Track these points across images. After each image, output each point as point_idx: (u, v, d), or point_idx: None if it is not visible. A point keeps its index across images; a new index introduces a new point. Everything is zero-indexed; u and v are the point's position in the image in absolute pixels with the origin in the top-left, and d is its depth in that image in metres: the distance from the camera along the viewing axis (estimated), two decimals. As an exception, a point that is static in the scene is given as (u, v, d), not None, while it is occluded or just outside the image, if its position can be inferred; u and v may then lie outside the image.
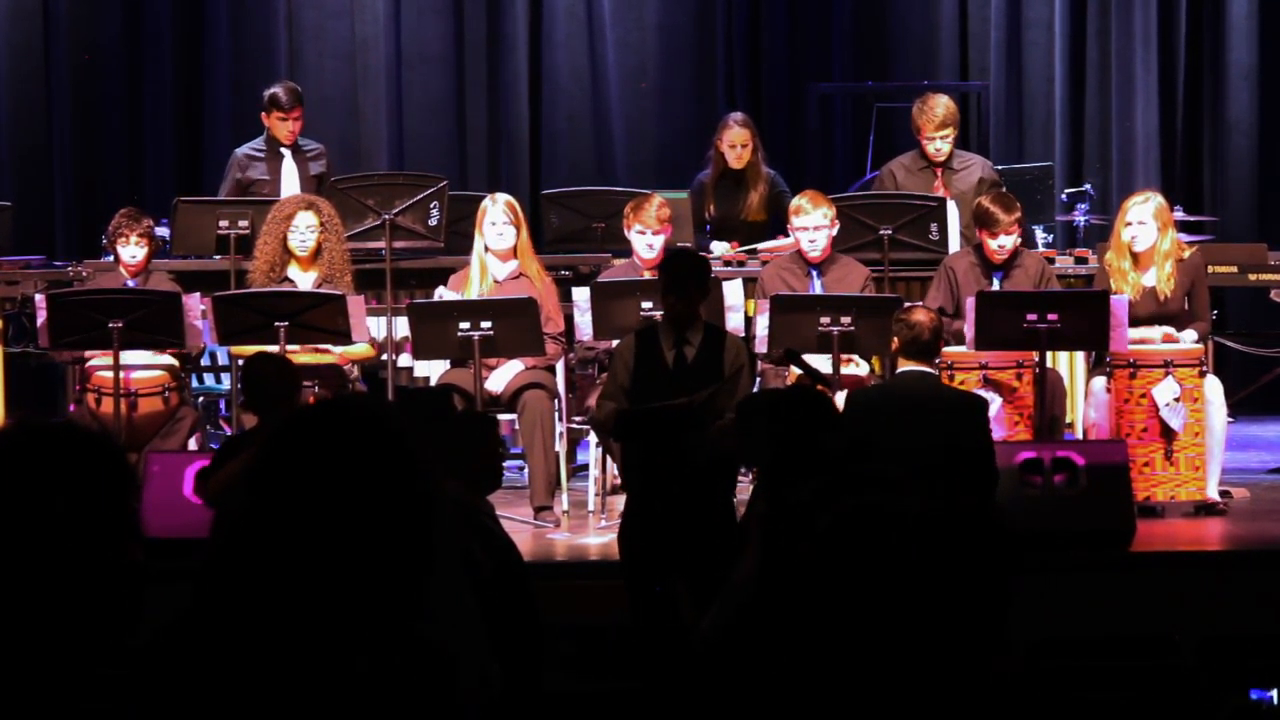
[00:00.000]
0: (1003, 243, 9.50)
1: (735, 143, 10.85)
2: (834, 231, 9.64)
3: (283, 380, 7.23)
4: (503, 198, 9.75)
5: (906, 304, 9.18)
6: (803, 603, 3.43)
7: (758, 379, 9.56)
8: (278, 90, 11.07)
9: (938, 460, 7.02)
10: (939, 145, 10.53)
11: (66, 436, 2.35)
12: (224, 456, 7.20)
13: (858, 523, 3.51)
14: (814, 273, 9.67)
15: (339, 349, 9.55)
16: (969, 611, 3.48)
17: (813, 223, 9.59)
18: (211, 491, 7.11)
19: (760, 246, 10.56)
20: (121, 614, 2.31)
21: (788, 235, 10.39)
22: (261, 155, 11.06)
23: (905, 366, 7.75)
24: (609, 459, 9.49)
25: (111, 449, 2.37)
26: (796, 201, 9.73)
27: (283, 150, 11.04)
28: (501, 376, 9.55)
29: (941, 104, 10.57)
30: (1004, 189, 10.29)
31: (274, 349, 9.23)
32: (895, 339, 7.81)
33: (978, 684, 3.45)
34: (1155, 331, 9.45)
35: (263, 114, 11.07)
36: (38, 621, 2.28)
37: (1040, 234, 11.20)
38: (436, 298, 9.68)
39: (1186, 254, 9.65)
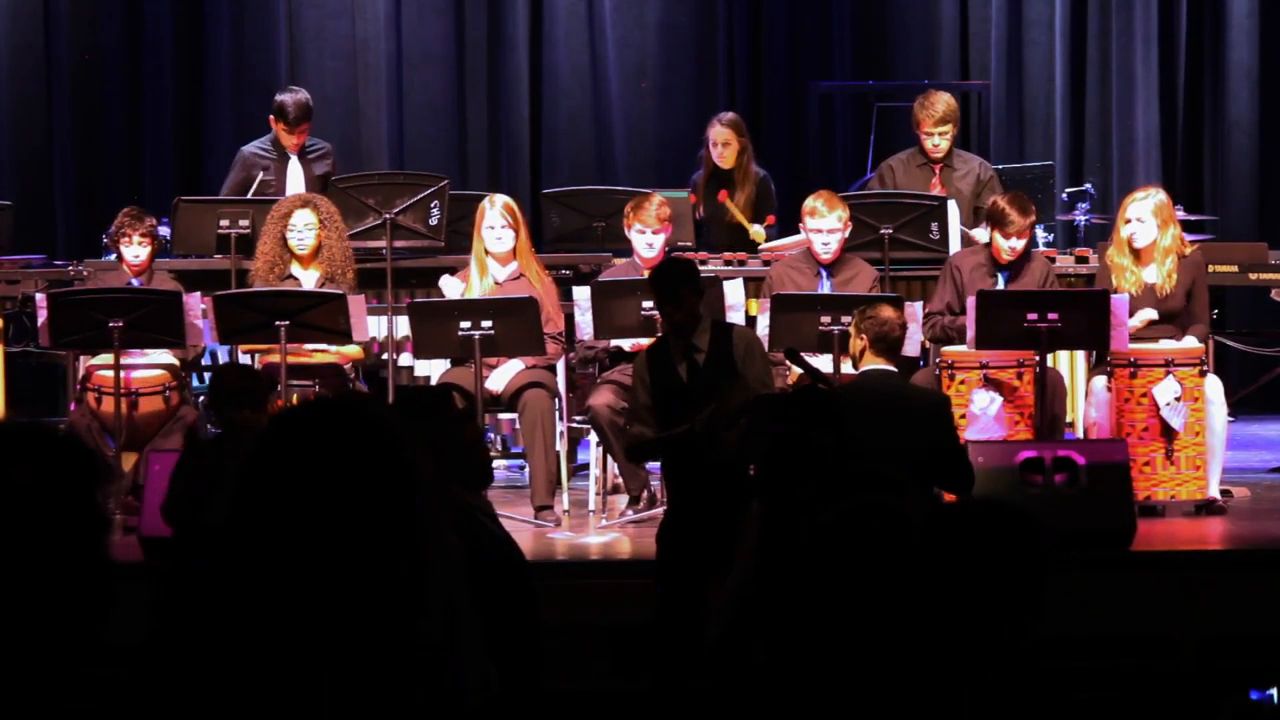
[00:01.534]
0: (1014, 245, 9.48)
1: (717, 141, 10.83)
2: (846, 234, 9.62)
3: (251, 390, 7.28)
4: (500, 200, 9.73)
5: (907, 300, 9.19)
6: (801, 598, 3.43)
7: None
8: (286, 101, 10.98)
9: (910, 459, 6.95)
10: (937, 141, 10.55)
11: (33, 435, 2.35)
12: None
13: (858, 520, 3.51)
14: (824, 273, 9.65)
15: (334, 348, 9.57)
16: (996, 609, 3.48)
17: (827, 225, 9.55)
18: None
19: (765, 245, 10.54)
20: (92, 612, 2.30)
21: (787, 235, 10.45)
22: (268, 156, 11.04)
23: (870, 364, 7.62)
24: (609, 458, 9.49)
25: (80, 446, 2.37)
26: (811, 203, 9.67)
27: (288, 153, 11.04)
28: (502, 376, 9.55)
29: (942, 100, 10.59)
30: (1002, 190, 10.29)
31: (274, 348, 9.27)
32: (862, 336, 7.67)
33: (984, 682, 3.44)
34: (1150, 313, 9.44)
35: (271, 117, 11.06)
36: (9, 620, 2.27)
37: (1041, 233, 11.19)
38: (441, 284, 9.73)
39: (1189, 251, 9.65)
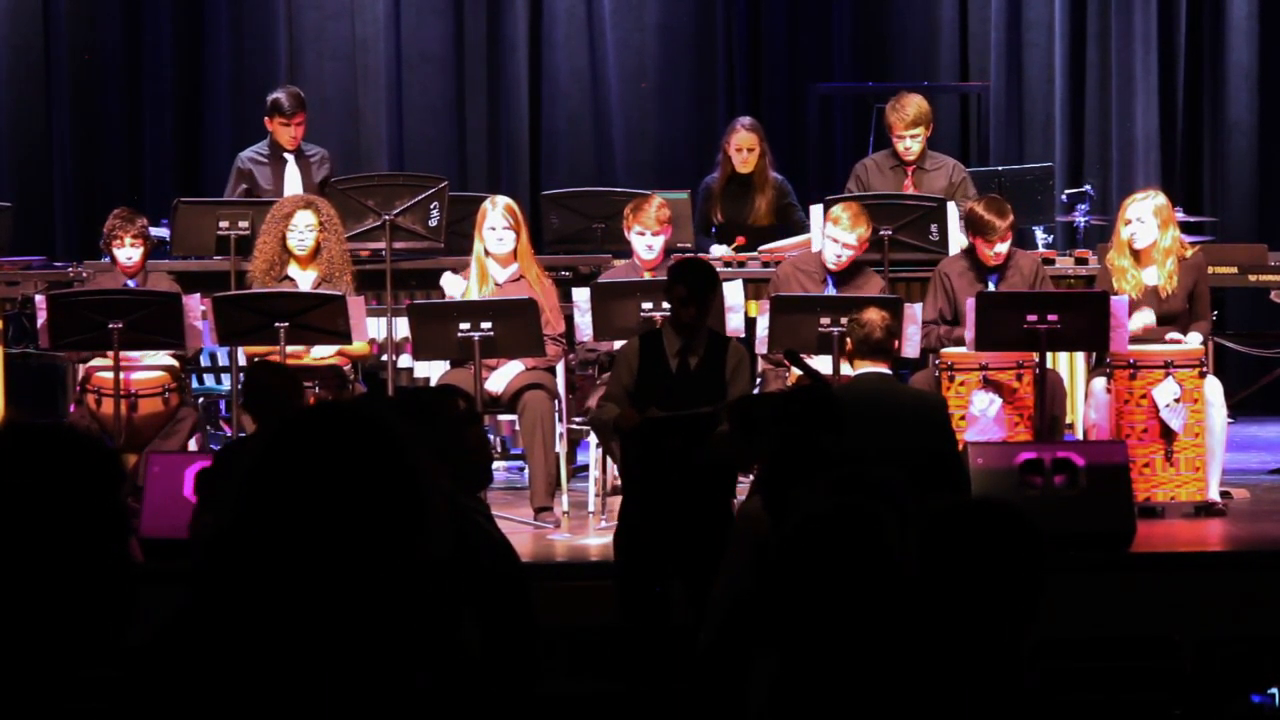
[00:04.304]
0: (999, 250, 9.49)
1: (742, 146, 10.83)
2: (859, 255, 9.54)
3: (284, 387, 7.28)
4: (502, 201, 9.73)
5: (907, 302, 9.18)
6: (774, 601, 3.42)
7: (758, 380, 9.55)
8: (280, 95, 11.04)
9: (904, 462, 6.93)
10: (909, 144, 10.54)
11: (55, 437, 2.35)
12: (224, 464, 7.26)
13: (826, 525, 3.50)
14: (830, 281, 9.60)
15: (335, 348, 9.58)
16: (993, 609, 3.48)
17: (844, 239, 9.42)
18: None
19: (764, 246, 10.53)
20: (115, 613, 2.30)
21: (791, 235, 10.46)
22: (265, 160, 11.04)
23: (861, 368, 7.62)
24: (609, 460, 9.48)
25: (101, 448, 2.37)
26: (836, 211, 9.54)
27: (286, 155, 11.03)
28: (502, 377, 9.55)
29: (914, 104, 10.57)
30: (973, 191, 10.30)
31: (274, 350, 9.27)
32: (848, 340, 7.68)
33: (983, 684, 3.44)
34: (1147, 317, 9.42)
35: (266, 119, 11.06)
36: (29, 622, 2.28)
37: (1040, 235, 11.19)
38: (442, 283, 9.74)
39: (1189, 253, 9.65)
